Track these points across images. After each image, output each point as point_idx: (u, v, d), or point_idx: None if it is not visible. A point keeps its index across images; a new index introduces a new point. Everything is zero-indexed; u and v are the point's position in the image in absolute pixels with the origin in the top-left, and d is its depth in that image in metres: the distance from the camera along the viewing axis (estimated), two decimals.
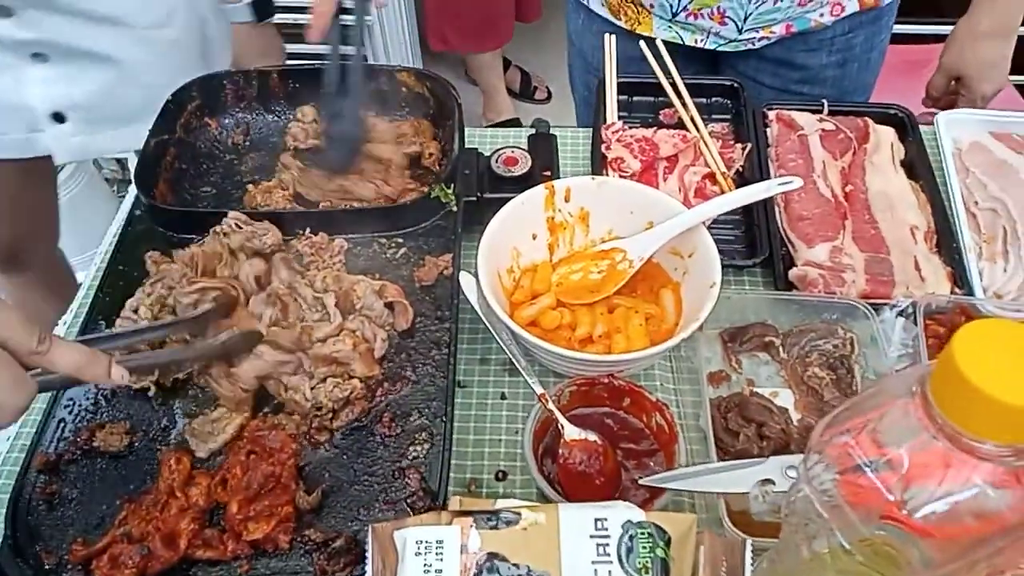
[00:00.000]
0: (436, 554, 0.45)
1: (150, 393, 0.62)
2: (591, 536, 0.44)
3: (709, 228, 0.78)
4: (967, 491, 0.37)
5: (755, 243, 0.83)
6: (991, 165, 0.85)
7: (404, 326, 0.67)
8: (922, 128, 0.93)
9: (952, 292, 0.75)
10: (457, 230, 0.73)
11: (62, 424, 0.60)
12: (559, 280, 0.76)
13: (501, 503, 0.50)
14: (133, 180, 0.75)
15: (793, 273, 0.78)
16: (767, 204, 0.84)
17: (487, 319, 0.69)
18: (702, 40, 1.00)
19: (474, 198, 0.79)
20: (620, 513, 0.45)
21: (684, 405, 0.72)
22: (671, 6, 0.97)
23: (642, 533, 0.44)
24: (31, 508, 0.56)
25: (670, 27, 1.01)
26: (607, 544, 0.43)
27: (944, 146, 0.88)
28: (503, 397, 0.73)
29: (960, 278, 0.77)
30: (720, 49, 1.01)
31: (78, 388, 0.62)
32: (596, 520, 0.44)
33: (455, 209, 0.74)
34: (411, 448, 0.59)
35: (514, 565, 0.43)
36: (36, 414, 0.61)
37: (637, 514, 0.45)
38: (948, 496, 0.38)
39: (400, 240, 0.73)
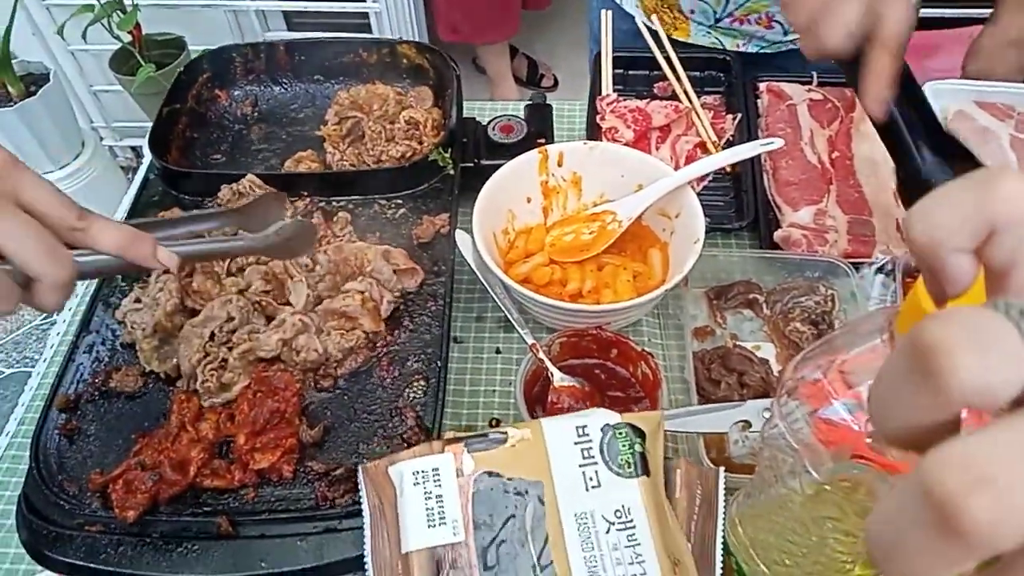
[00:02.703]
0: (434, 481, 0.48)
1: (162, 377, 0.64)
2: (575, 443, 0.47)
3: (700, 195, 0.81)
4: None
5: (743, 209, 0.86)
6: (974, 132, 0.88)
7: (413, 287, 0.71)
8: None
9: None
10: (454, 191, 0.76)
11: (80, 368, 0.64)
12: (552, 241, 0.80)
13: None
14: (147, 145, 0.79)
15: (778, 234, 0.81)
16: (756, 172, 0.87)
17: (481, 274, 0.72)
18: (743, 44, 1.01)
19: (471, 164, 0.82)
20: (598, 418, 0.48)
21: (670, 359, 0.76)
22: (714, 12, 0.98)
23: (620, 433, 0.48)
24: (54, 443, 0.60)
25: (709, 32, 1.01)
26: (590, 447, 0.47)
27: None
28: (497, 352, 0.77)
29: None
30: (760, 52, 1.02)
31: (93, 336, 0.66)
32: (577, 428, 0.48)
33: (452, 172, 0.78)
34: (407, 390, 0.63)
35: (508, 479, 0.46)
36: (58, 356, 0.65)
37: (613, 417, 0.48)
38: None
39: (400, 202, 0.77)
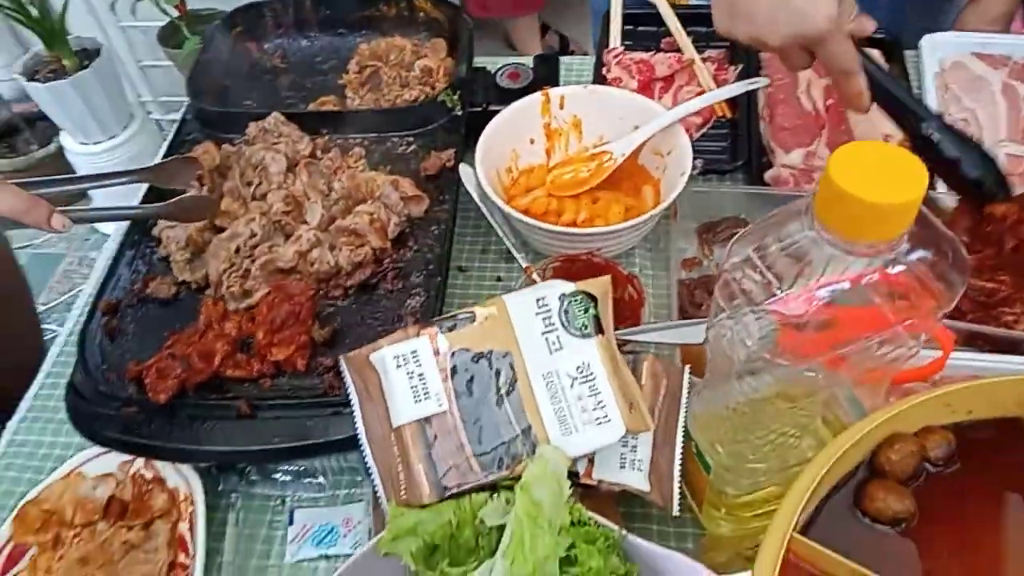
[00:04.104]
0: (414, 362, 0.54)
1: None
2: (536, 313, 0.53)
3: (699, 141, 0.86)
4: (842, 285, 0.44)
5: (738, 152, 0.90)
6: (968, 81, 0.90)
7: (419, 213, 0.77)
8: (908, 52, 0.98)
9: None
10: (460, 130, 0.82)
11: (121, 277, 0.72)
12: (552, 179, 0.85)
13: None
14: (185, 90, 0.87)
15: (768, 174, 0.85)
16: (753, 118, 0.91)
17: (482, 203, 0.78)
18: None
19: (480, 108, 0.88)
20: (555, 289, 0.54)
21: (658, 288, 0.80)
22: None
23: (575, 299, 0.53)
24: (97, 340, 0.68)
25: None
26: (550, 316, 0.52)
27: (926, 66, 0.94)
28: (498, 280, 0.82)
29: None
30: None
31: (133, 251, 0.74)
32: (537, 300, 0.53)
33: (459, 113, 0.84)
34: (408, 300, 0.69)
35: (481, 352, 0.52)
36: (100, 269, 0.74)
37: (568, 287, 0.54)
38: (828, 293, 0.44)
39: (411, 139, 0.83)
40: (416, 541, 0.46)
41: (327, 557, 0.63)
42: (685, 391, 0.58)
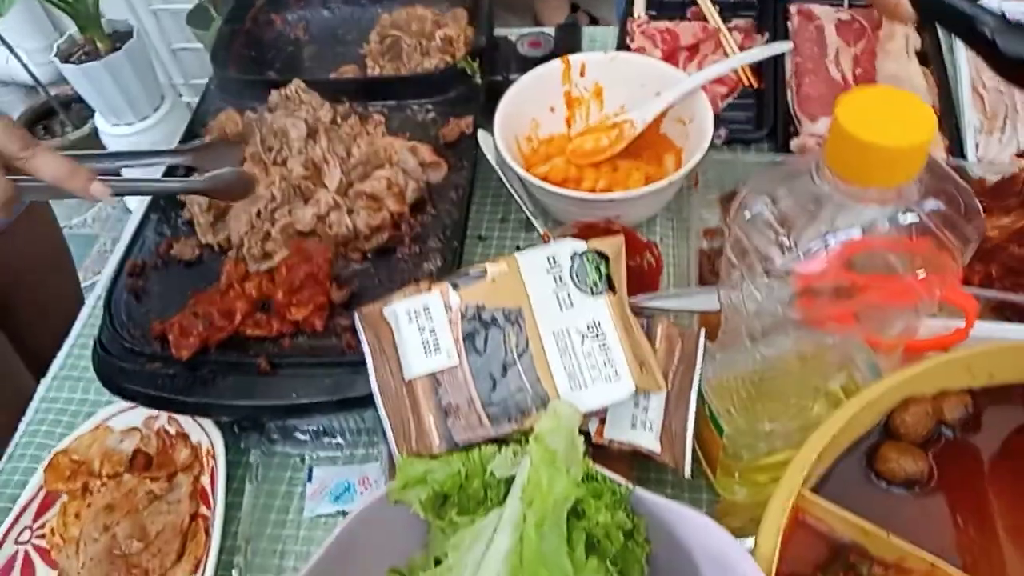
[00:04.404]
0: (426, 317, 0.54)
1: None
2: (547, 271, 0.53)
3: (725, 111, 0.85)
4: (853, 232, 0.44)
5: (763, 121, 0.89)
6: None
7: (438, 179, 0.77)
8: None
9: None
10: (480, 98, 0.82)
11: (146, 239, 0.74)
12: (573, 147, 0.85)
13: None
14: (209, 58, 0.88)
15: (794, 143, 0.83)
16: (779, 88, 0.90)
17: (501, 170, 0.78)
18: None
19: (500, 77, 0.88)
20: (566, 247, 0.54)
21: (679, 258, 0.80)
22: None
23: (587, 257, 0.53)
24: (123, 299, 0.70)
25: None
26: (561, 274, 0.53)
27: None
28: (518, 248, 0.83)
29: (956, 149, 0.81)
30: None
31: (159, 214, 0.76)
32: (548, 258, 0.53)
33: (479, 81, 0.84)
34: (426, 264, 0.69)
35: (492, 308, 0.52)
36: (129, 233, 0.75)
37: (580, 245, 0.54)
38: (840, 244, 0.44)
39: (430, 107, 0.83)
40: (426, 490, 0.47)
41: (343, 513, 0.64)
42: (700, 354, 0.58)
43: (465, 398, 0.50)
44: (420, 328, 0.54)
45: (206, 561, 0.58)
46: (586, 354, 0.50)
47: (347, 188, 0.72)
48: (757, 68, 0.94)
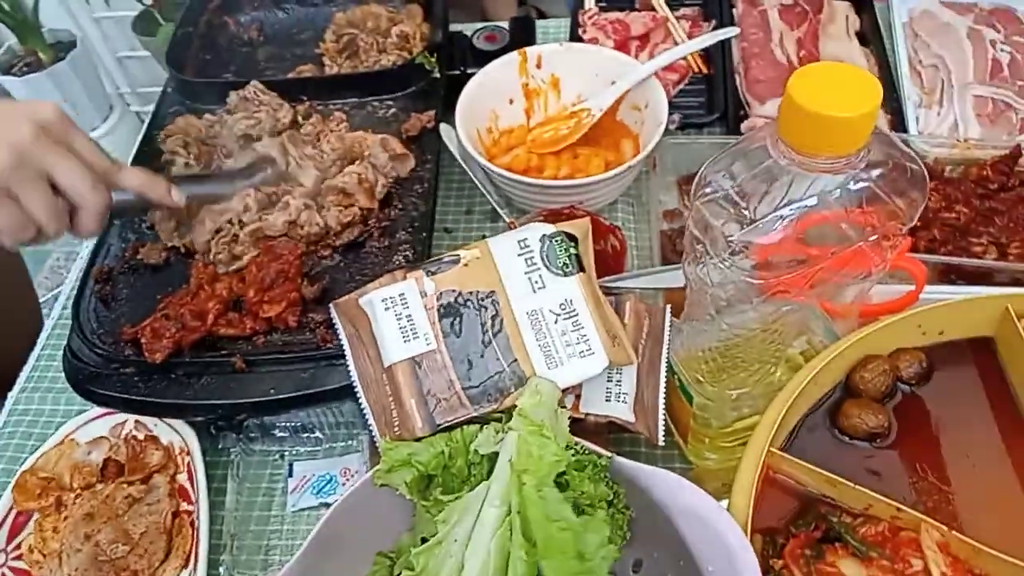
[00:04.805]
0: (402, 304, 0.55)
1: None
2: (518, 255, 0.54)
3: (677, 97, 0.87)
4: (807, 201, 0.46)
5: (714, 105, 0.91)
6: (936, 27, 0.92)
7: (404, 173, 0.78)
8: (877, 6, 1.00)
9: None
10: (440, 92, 0.83)
11: (110, 246, 0.73)
12: (533, 138, 0.87)
13: None
14: (165, 61, 0.87)
15: (744, 124, 0.87)
16: (728, 72, 0.93)
17: (464, 161, 0.80)
18: None
19: (458, 72, 0.89)
20: (536, 231, 0.55)
21: (640, 240, 0.82)
22: None
23: (556, 239, 0.55)
24: (91, 306, 0.69)
25: None
26: (532, 256, 0.54)
27: (896, 15, 0.95)
28: (483, 238, 0.84)
29: (899, 124, 0.85)
30: None
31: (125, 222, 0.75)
32: (519, 241, 0.55)
33: (438, 75, 0.85)
34: (395, 257, 0.70)
35: (466, 293, 0.54)
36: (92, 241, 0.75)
37: (549, 228, 0.56)
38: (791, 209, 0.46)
39: (390, 103, 0.84)
40: (411, 471, 0.48)
41: (327, 505, 0.65)
42: (667, 328, 0.60)
43: (445, 381, 0.52)
44: (397, 315, 0.55)
45: (196, 552, 0.59)
46: (560, 332, 0.51)
47: (320, 184, 0.73)
48: (706, 55, 0.97)
